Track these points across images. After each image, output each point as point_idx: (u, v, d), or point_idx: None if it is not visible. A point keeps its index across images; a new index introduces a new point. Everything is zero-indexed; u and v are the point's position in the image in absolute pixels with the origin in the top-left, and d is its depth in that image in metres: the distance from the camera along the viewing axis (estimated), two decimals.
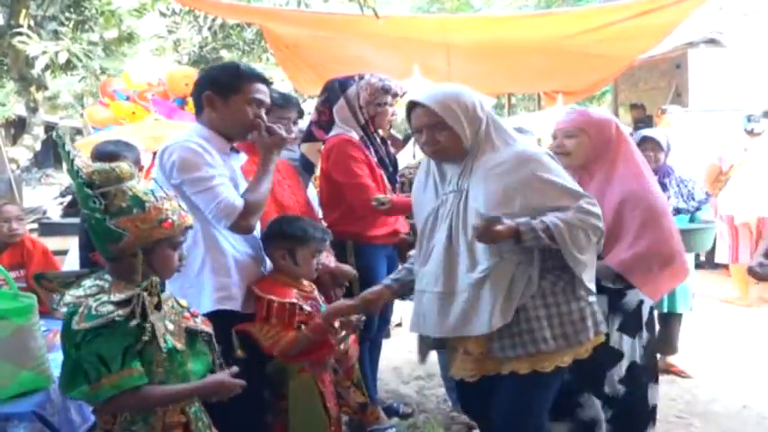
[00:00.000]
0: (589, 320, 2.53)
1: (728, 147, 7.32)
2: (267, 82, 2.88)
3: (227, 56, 15.13)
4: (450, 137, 2.52)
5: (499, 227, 2.32)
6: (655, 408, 3.34)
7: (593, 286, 2.56)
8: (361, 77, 3.75)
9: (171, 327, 2.13)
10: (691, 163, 7.28)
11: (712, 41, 11.76)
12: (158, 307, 2.10)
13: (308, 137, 3.90)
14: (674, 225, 3.09)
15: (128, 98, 8.67)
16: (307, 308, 2.87)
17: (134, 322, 2.00)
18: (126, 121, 8.92)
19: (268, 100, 2.88)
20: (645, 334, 3.20)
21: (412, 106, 2.61)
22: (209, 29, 14.05)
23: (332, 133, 3.75)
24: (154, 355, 2.05)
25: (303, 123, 4.28)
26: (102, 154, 3.63)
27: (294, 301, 2.84)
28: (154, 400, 2.08)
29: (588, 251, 2.50)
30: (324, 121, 3.81)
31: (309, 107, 11.89)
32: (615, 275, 2.97)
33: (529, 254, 2.45)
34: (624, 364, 3.14)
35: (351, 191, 3.64)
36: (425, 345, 2.75)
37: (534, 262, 2.47)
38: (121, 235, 2.03)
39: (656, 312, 4.89)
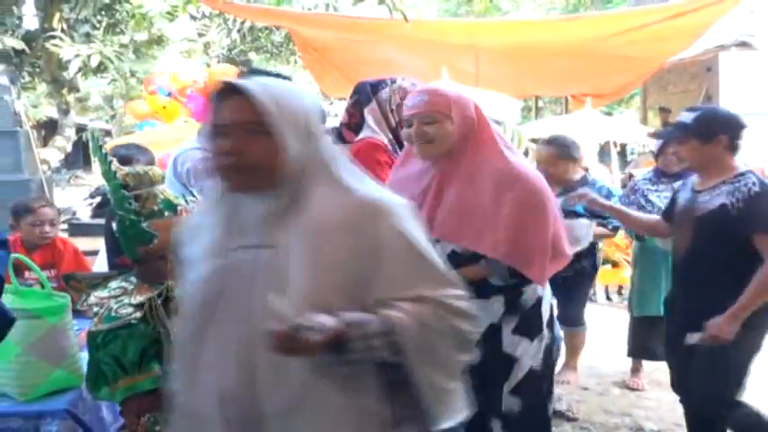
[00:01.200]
0: None
1: None
2: None
3: (255, 58, 15.26)
4: (265, 147, 1.53)
5: (316, 336, 1.38)
6: (550, 419, 2.91)
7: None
8: (393, 81, 3.75)
9: None
10: None
11: (744, 44, 11.62)
12: (176, 312, 2.10)
13: (338, 139, 3.90)
14: (556, 207, 2.69)
15: (169, 94, 8.80)
16: None
17: (149, 326, 2.01)
18: (158, 115, 9.05)
19: None
20: (546, 334, 2.73)
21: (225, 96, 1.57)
22: (239, 32, 14.14)
23: (360, 136, 3.74)
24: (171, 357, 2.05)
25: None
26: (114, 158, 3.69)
27: None
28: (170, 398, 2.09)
29: (454, 373, 1.61)
30: (354, 123, 3.80)
31: (336, 109, 11.94)
32: (508, 270, 2.57)
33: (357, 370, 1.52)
34: (520, 371, 2.64)
35: None
36: None
37: (368, 384, 1.54)
38: (153, 237, 2.05)
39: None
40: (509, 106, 8.54)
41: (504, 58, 9.87)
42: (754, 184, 3.07)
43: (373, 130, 3.65)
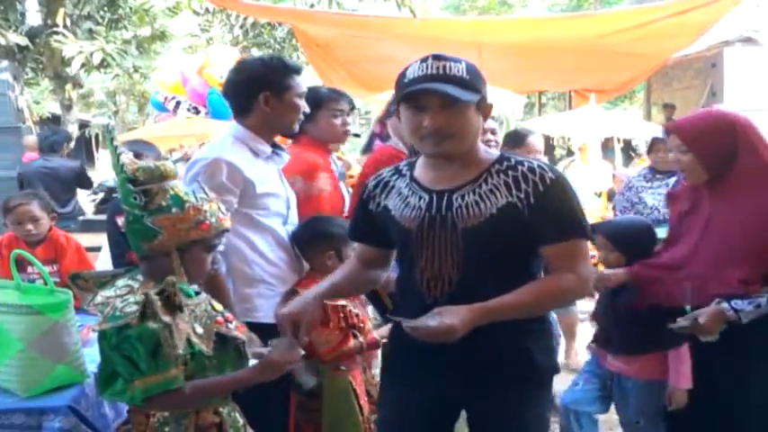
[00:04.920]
0: None
1: None
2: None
3: (257, 54, 15.25)
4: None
5: None
6: None
7: None
8: None
9: (200, 330, 2.10)
10: None
11: (748, 40, 11.59)
12: (180, 308, 2.04)
13: (368, 149, 3.90)
14: None
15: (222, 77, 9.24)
16: (355, 310, 2.87)
17: (151, 324, 1.95)
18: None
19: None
20: None
21: None
22: (241, 27, 14.16)
23: (385, 144, 3.74)
24: (177, 356, 2.01)
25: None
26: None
27: (345, 303, 2.83)
28: (199, 394, 2.06)
29: None
30: (385, 133, 3.79)
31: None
32: None
33: None
34: None
35: None
36: None
37: None
38: (157, 233, 2.02)
39: None
40: (512, 102, 8.52)
41: (507, 54, 9.87)
42: (542, 169, 2.00)
43: (396, 142, 3.61)
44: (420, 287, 2.06)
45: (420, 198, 2.08)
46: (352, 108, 3.58)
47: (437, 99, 1.94)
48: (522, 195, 1.97)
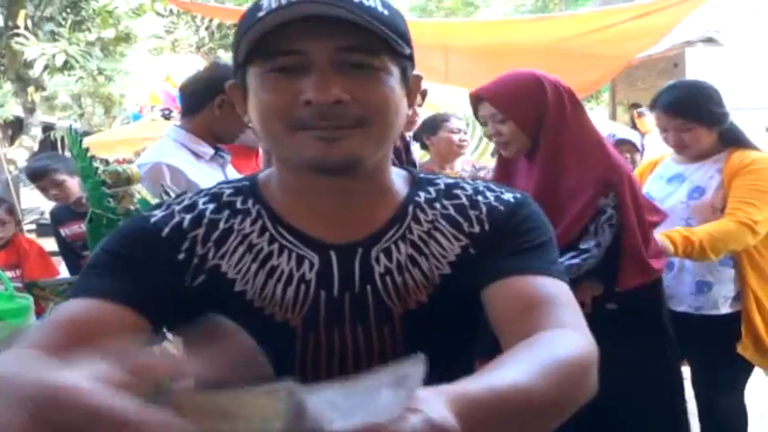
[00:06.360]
0: None
1: None
2: None
3: (224, 56, 15.15)
4: None
5: None
6: None
7: None
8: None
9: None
10: None
11: (710, 40, 11.77)
12: None
13: None
14: None
15: None
16: None
17: None
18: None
19: None
20: None
21: None
22: (207, 29, 14.06)
23: None
24: None
25: None
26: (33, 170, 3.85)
27: None
28: None
29: None
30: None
31: None
32: None
33: None
34: None
35: None
36: None
37: None
38: None
39: None
40: None
41: (474, 56, 9.93)
42: (498, 190, 1.08)
43: None
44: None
45: (303, 261, 0.98)
46: None
47: (331, 45, 0.91)
48: (476, 231, 1.03)
